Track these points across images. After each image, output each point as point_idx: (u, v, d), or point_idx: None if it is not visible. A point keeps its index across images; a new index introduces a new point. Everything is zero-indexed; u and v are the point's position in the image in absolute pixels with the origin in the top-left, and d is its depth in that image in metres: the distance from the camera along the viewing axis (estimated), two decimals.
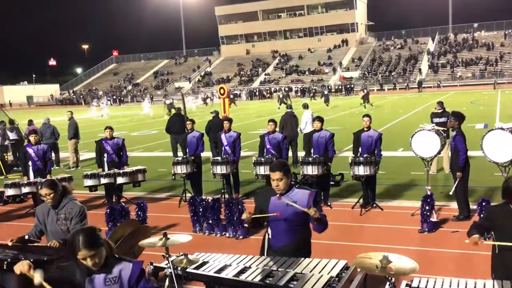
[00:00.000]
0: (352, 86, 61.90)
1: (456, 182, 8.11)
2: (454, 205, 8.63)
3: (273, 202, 4.41)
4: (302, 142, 10.44)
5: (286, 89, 57.18)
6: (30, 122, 17.17)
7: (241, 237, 7.86)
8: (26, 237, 5.00)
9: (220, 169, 9.94)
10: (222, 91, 17.35)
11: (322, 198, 9.64)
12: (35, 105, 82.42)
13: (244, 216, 4.38)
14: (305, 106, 14.99)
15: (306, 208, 4.19)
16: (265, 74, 76.24)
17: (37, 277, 3.11)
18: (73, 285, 3.20)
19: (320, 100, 44.05)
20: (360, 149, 9.30)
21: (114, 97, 75.20)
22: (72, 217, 4.97)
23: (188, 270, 4.28)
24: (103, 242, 3.17)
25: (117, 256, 3.27)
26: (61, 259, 4.61)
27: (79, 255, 3.08)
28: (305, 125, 14.08)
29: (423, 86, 57.15)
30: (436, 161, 11.53)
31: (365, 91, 36.39)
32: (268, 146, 9.95)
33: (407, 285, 3.80)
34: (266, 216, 4.39)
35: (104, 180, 10.06)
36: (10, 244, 4.89)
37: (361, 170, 8.91)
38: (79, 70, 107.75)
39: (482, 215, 4.44)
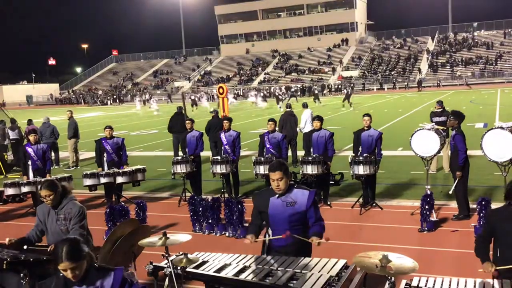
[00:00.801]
0: (352, 85, 61.79)
1: (456, 181, 8.10)
2: (453, 204, 8.63)
3: (273, 203, 4.41)
4: (302, 142, 10.46)
5: (295, 88, 57.11)
6: (30, 122, 17.16)
7: (241, 236, 7.85)
8: (25, 247, 4.95)
9: (219, 169, 9.94)
10: (221, 90, 17.33)
11: (322, 197, 9.64)
12: (35, 105, 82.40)
13: (246, 241, 4.42)
14: (305, 105, 15.00)
15: (308, 236, 4.31)
16: (265, 74, 76.22)
17: None
18: None
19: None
20: (360, 149, 9.30)
21: (114, 96, 75.23)
22: (72, 217, 4.97)
23: (187, 269, 4.28)
24: (86, 254, 3.15)
25: (97, 265, 3.26)
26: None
27: (60, 266, 3.07)
28: (305, 124, 14.09)
29: (422, 85, 57.15)
30: (436, 160, 11.54)
31: (346, 90, 38.10)
32: (267, 146, 9.95)
33: (406, 284, 3.80)
34: (273, 238, 4.43)
35: (103, 180, 10.06)
36: (7, 243, 4.88)
37: (360, 170, 8.90)
38: (78, 70, 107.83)
39: (482, 223, 4.39)
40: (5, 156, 16.28)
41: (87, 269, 3.15)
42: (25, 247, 4.93)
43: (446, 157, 11.25)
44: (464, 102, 33.43)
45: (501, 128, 7.79)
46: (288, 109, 14.24)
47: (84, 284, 3.13)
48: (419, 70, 66.39)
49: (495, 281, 3.75)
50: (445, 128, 9.70)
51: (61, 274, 3.15)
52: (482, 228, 4.34)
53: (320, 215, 4.48)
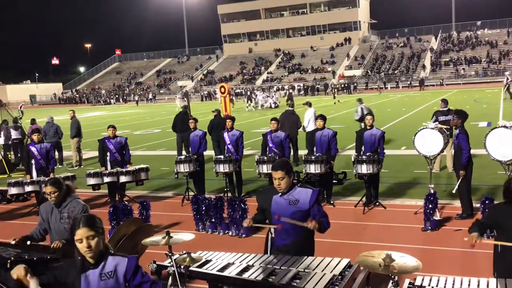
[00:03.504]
0: (355, 84, 61.77)
1: (459, 180, 8.09)
2: (457, 203, 8.62)
3: (275, 201, 4.41)
4: (305, 141, 10.45)
5: (291, 89, 57.25)
6: (33, 121, 17.20)
7: (244, 235, 7.86)
8: (28, 243, 4.97)
9: (223, 168, 9.94)
10: (222, 89, 17.33)
11: (325, 196, 9.64)
12: (38, 104, 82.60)
13: (245, 223, 4.43)
14: (309, 104, 14.94)
15: (304, 222, 4.23)
16: (268, 73, 76.22)
17: (33, 284, 3.13)
18: (67, 287, 3.21)
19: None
20: (363, 148, 9.29)
21: (117, 95, 75.31)
22: (75, 215, 4.98)
23: (191, 268, 4.28)
24: (101, 229, 3.20)
25: (112, 251, 3.30)
26: (64, 257, 4.63)
27: (77, 235, 3.11)
28: (308, 123, 14.07)
29: (425, 84, 56.97)
30: (439, 159, 11.51)
31: (288, 91, 44.45)
32: (270, 145, 9.95)
33: (410, 283, 3.80)
34: (267, 226, 4.44)
35: (107, 179, 10.07)
36: (13, 243, 4.90)
37: (364, 169, 8.90)
38: (82, 69, 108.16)
39: (485, 213, 4.40)
40: (9, 155, 16.33)
41: (103, 253, 3.19)
42: (28, 242, 4.95)
43: (450, 156, 11.23)
44: (468, 101, 33.36)
45: (505, 127, 7.76)
46: (290, 108, 14.22)
47: (98, 267, 3.17)
48: (424, 66, 66.23)
49: (499, 280, 3.75)
50: (450, 127, 9.67)
51: (79, 258, 3.19)
52: (483, 217, 4.34)
53: (324, 212, 4.45)
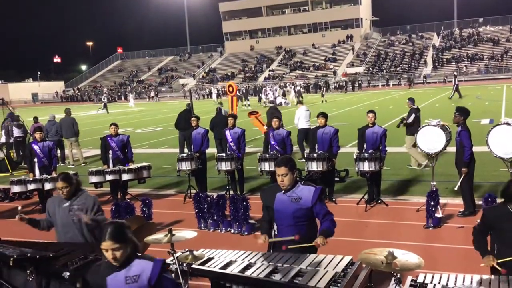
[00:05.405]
0: (360, 82, 61.63)
1: (461, 177, 8.09)
2: (459, 200, 8.61)
3: (279, 199, 4.41)
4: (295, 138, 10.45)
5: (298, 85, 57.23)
6: (36, 119, 17.21)
7: (246, 233, 7.87)
8: (42, 231, 5.06)
9: (224, 166, 9.95)
10: (230, 88, 17.28)
11: (327, 194, 9.64)
12: (40, 102, 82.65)
13: (260, 241, 4.41)
14: (300, 102, 15.16)
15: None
16: (270, 70, 76.12)
17: None
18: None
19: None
20: (365, 145, 9.29)
21: (119, 93, 75.26)
22: (87, 209, 5.06)
23: (193, 266, 4.29)
24: (130, 239, 3.21)
25: (139, 254, 3.31)
26: (70, 254, 4.65)
27: (103, 245, 3.14)
28: (298, 120, 14.15)
29: (427, 81, 56.71)
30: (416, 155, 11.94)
31: (297, 89, 44.51)
32: (272, 142, 9.94)
33: (412, 280, 3.80)
34: (284, 240, 4.40)
35: (109, 177, 10.09)
36: (17, 219, 5.07)
37: (366, 166, 8.89)
38: (83, 67, 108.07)
39: (480, 218, 4.37)
40: (11, 154, 16.35)
41: (129, 256, 3.20)
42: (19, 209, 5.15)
43: (414, 153, 11.79)
44: (470, 98, 33.30)
45: (507, 124, 7.75)
46: (272, 105, 14.39)
47: (124, 270, 3.18)
48: (425, 62, 66.06)
49: (501, 277, 3.74)
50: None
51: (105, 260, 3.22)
52: (479, 222, 4.31)
53: (327, 210, 4.46)
